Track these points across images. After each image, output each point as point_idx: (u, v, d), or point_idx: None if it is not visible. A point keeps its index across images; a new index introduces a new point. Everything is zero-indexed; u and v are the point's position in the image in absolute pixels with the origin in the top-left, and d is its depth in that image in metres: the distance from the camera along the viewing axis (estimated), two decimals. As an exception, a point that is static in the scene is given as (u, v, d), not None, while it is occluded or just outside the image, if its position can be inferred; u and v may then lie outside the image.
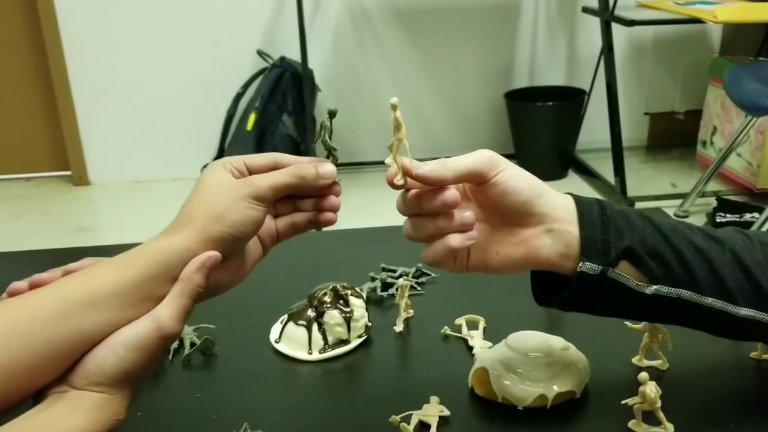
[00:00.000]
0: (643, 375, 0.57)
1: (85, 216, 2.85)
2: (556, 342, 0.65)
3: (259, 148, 2.79)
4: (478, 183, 0.55)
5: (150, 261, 0.50)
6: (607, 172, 2.79)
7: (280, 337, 0.75)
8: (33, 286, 0.50)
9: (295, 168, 0.55)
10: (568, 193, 0.58)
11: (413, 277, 0.86)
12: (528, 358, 0.63)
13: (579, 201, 0.56)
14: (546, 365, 0.63)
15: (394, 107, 0.52)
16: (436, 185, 0.53)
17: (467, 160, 0.54)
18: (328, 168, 0.56)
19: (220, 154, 2.91)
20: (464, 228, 0.54)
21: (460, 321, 0.77)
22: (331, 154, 0.57)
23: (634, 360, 0.69)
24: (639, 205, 2.60)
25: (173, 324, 0.49)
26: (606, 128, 2.75)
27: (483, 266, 0.57)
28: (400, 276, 0.86)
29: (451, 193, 0.54)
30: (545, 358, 0.63)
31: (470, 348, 0.73)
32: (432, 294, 0.84)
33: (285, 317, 0.77)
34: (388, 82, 3.05)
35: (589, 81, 2.99)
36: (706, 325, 0.59)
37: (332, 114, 0.56)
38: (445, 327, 0.76)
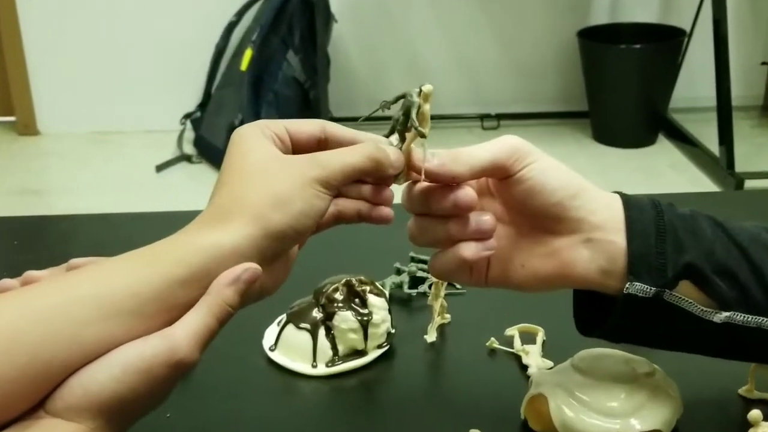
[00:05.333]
0: (755, 413, 0.56)
1: (32, 174, 2.88)
2: (639, 364, 0.64)
3: (256, 94, 2.79)
4: (500, 178, 0.55)
5: (183, 260, 0.48)
6: (710, 138, 2.76)
7: (276, 343, 0.75)
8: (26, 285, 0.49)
9: (368, 149, 0.54)
10: (617, 192, 0.58)
11: (452, 270, 0.86)
12: (601, 383, 0.63)
13: (628, 203, 0.56)
14: (625, 394, 0.62)
15: (426, 97, 0.52)
16: (447, 183, 0.54)
17: (486, 152, 0.54)
18: (400, 156, 0.56)
19: (206, 99, 2.92)
20: (481, 235, 0.55)
21: (512, 331, 0.77)
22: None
23: (742, 390, 0.68)
24: (750, 183, 2.57)
25: (190, 350, 0.46)
26: (710, 81, 2.71)
27: (504, 281, 0.58)
28: (435, 269, 0.85)
29: (466, 192, 0.54)
30: (624, 386, 0.63)
31: (524, 367, 0.73)
32: (475, 294, 0.84)
33: (283, 318, 0.77)
34: (424, 12, 3.03)
35: (691, 18, 2.94)
36: None
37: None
38: (492, 338, 0.76)
